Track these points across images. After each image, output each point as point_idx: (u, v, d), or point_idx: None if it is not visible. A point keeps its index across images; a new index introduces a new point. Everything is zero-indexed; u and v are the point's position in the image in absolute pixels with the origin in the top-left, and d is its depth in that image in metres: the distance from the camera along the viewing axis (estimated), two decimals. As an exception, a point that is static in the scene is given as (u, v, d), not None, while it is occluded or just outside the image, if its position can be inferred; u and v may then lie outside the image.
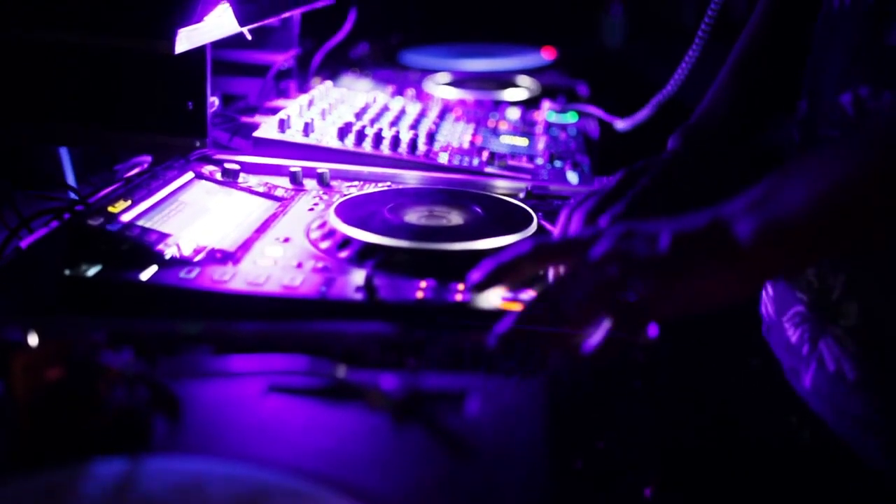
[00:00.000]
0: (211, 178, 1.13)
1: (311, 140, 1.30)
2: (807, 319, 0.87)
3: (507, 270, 0.72)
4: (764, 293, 0.97)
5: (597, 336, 0.70)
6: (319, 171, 1.20)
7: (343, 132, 1.32)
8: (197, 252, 0.90)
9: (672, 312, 0.67)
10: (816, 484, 0.90)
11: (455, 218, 1.03)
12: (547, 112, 1.69)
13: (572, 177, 1.29)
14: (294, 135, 1.31)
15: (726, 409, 1.06)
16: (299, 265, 0.90)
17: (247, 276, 0.85)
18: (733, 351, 1.10)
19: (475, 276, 0.72)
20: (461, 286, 0.85)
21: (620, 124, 1.59)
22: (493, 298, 0.83)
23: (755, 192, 0.67)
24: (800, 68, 0.97)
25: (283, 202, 1.11)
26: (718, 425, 1.04)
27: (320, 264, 0.90)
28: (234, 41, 1.19)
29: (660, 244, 0.67)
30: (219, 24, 1.09)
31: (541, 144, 1.45)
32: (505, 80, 2.01)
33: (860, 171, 0.64)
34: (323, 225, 0.99)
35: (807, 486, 0.91)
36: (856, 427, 0.83)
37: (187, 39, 1.02)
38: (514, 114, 1.66)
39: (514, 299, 0.82)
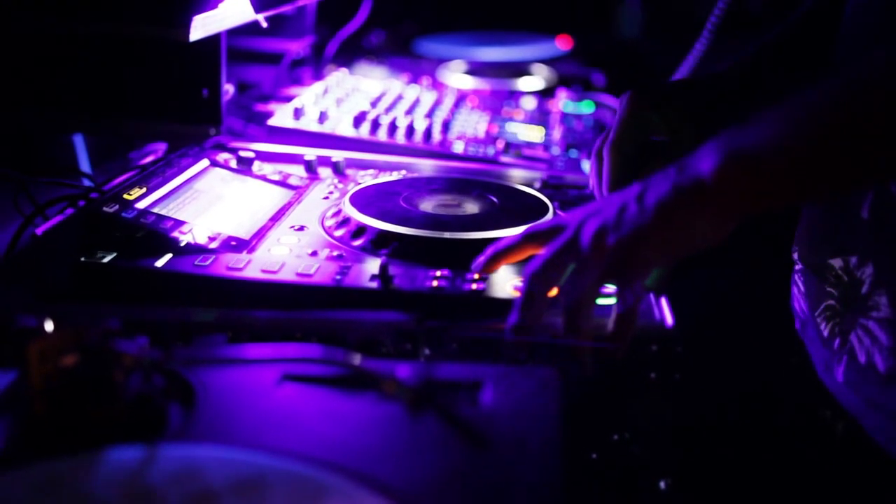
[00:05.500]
0: (226, 166, 1.13)
1: (326, 128, 1.30)
2: (838, 313, 0.87)
3: (502, 255, 0.78)
4: (795, 289, 0.96)
5: (611, 320, 0.72)
6: (334, 159, 1.20)
7: (358, 120, 1.32)
8: (212, 240, 0.90)
9: (655, 256, 0.69)
10: (843, 479, 0.89)
11: (470, 207, 1.03)
12: (563, 102, 1.68)
13: (588, 166, 1.28)
14: (309, 123, 1.31)
15: (751, 403, 1.05)
16: (314, 253, 0.90)
17: (261, 264, 0.85)
18: (763, 345, 1.10)
19: (479, 260, 0.79)
20: (476, 275, 0.85)
21: None
22: (508, 287, 0.82)
23: (719, 135, 0.68)
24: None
25: (298, 190, 1.10)
26: (735, 421, 1.04)
27: (335, 253, 0.90)
28: (249, 29, 1.19)
29: (628, 195, 0.70)
30: (234, 11, 1.09)
31: (556, 134, 1.44)
32: (520, 69, 2.00)
33: (831, 106, 0.66)
34: (338, 213, 0.99)
35: (832, 480, 0.90)
36: (887, 419, 0.82)
37: (202, 27, 1.02)
38: (529, 103, 1.65)
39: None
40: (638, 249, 0.68)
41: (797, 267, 0.96)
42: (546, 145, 1.37)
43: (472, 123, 1.44)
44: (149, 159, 1.23)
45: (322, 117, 1.31)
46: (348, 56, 1.96)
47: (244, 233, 0.94)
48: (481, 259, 0.79)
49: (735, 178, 0.66)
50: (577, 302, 0.70)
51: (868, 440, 0.85)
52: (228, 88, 1.33)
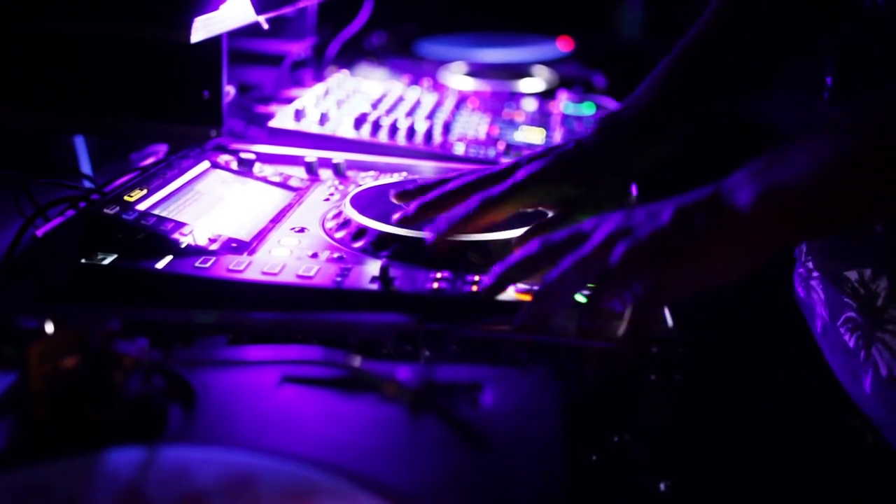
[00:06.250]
0: (226, 168, 1.13)
1: (327, 130, 1.30)
2: (859, 326, 0.86)
3: (517, 272, 0.73)
4: (815, 294, 0.96)
5: (620, 333, 0.70)
6: (335, 161, 1.20)
7: (359, 122, 1.32)
8: (212, 241, 0.90)
9: (683, 288, 0.67)
10: (843, 484, 0.89)
11: (471, 209, 1.03)
12: (563, 103, 1.68)
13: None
14: (310, 125, 1.31)
15: (750, 404, 1.05)
16: (314, 255, 0.90)
17: (262, 266, 0.85)
18: (763, 347, 1.09)
19: (486, 280, 0.74)
20: (477, 277, 0.85)
21: None
22: (509, 290, 0.82)
23: (757, 162, 0.66)
24: (743, 70, 0.96)
25: (299, 192, 1.10)
26: (736, 422, 1.04)
27: (336, 254, 0.90)
28: (251, 30, 1.19)
29: (661, 218, 0.68)
30: (235, 12, 1.09)
31: (557, 136, 1.44)
32: (521, 70, 2.00)
33: (865, 141, 0.64)
34: (338, 215, 0.99)
35: (850, 483, 0.90)
36: None
37: (203, 28, 1.02)
38: (530, 105, 1.65)
39: (530, 291, 0.82)
40: (674, 280, 0.67)
41: (815, 274, 0.95)
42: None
43: (473, 125, 1.44)
44: (149, 161, 1.23)
45: (323, 119, 1.31)
46: (349, 57, 1.96)
47: (245, 234, 0.94)
48: (488, 282, 0.75)
49: (773, 213, 0.64)
50: (598, 309, 0.69)
51: (893, 450, 0.84)
52: (229, 90, 1.33)
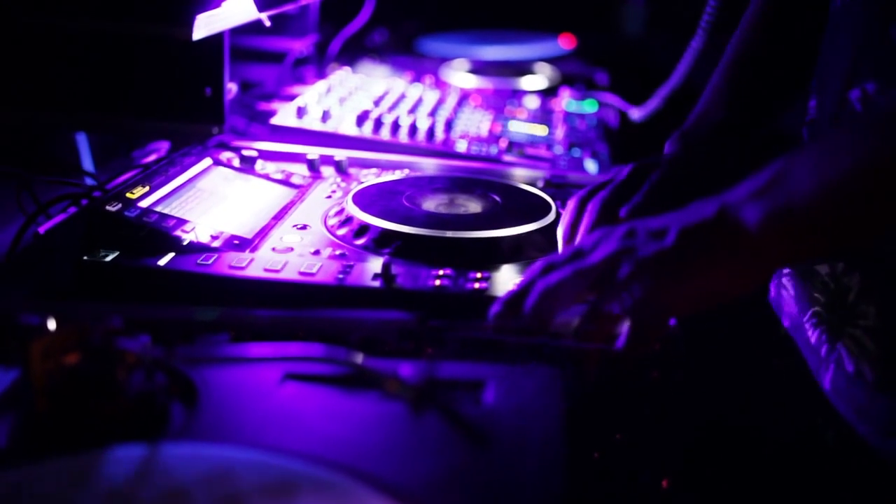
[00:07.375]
0: (228, 165, 1.13)
1: (329, 127, 1.30)
2: (824, 321, 0.86)
3: (523, 297, 0.71)
4: (785, 291, 0.96)
5: (620, 342, 0.70)
6: (337, 158, 1.20)
7: (361, 119, 1.32)
8: (214, 238, 0.90)
9: (686, 307, 0.67)
10: (839, 483, 0.89)
11: (473, 206, 1.03)
12: (566, 101, 1.68)
13: (591, 166, 1.28)
14: (312, 122, 1.31)
15: (747, 405, 1.05)
16: (316, 252, 0.90)
17: (264, 263, 0.85)
18: (755, 347, 1.09)
19: (495, 309, 0.72)
20: (479, 274, 0.85)
21: (635, 114, 1.58)
22: (512, 287, 0.82)
23: (760, 177, 0.66)
24: (798, 67, 0.97)
25: (301, 189, 1.10)
26: (738, 420, 1.04)
27: (338, 251, 0.90)
28: (253, 27, 1.19)
29: (666, 239, 0.67)
30: (237, 9, 1.09)
31: (559, 133, 1.44)
32: (523, 67, 2.00)
33: (866, 157, 0.63)
34: (340, 212, 0.99)
35: (829, 485, 0.90)
36: (876, 428, 0.82)
37: (205, 25, 1.02)
38: (532, 102, 1.65)
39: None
40: (678, 299, 0.66)
41: (786, 271, 0.95)
42: (549, 144, 1.37)
43: (475, 122, 1.44)
44: (152, 158, 1.23)
45: (325, 116, 1.31)
46: (351, 55, 1.96)
47: (247, 232, 0.94)
48: (497, 309, 0.72)
49: (779, 234, 0.64)
50: (600, 311, 0.69)
51: (859, 446, 0.84)
52: (231, 87, 1.33)
